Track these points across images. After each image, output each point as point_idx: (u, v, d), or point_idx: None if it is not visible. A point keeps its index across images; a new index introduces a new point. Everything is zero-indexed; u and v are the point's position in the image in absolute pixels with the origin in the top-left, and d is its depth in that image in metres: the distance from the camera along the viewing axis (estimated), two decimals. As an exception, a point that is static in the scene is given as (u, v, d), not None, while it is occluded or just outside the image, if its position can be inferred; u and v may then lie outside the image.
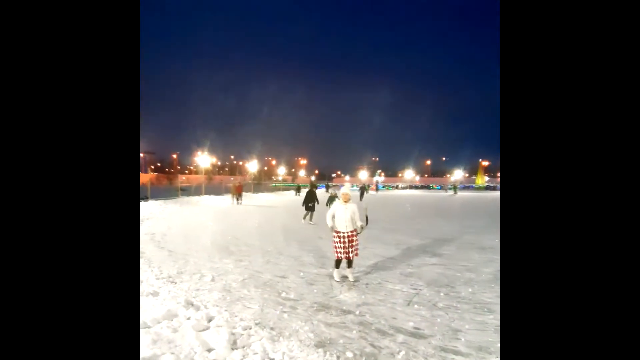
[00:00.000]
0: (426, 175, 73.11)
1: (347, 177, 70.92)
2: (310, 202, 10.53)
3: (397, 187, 56.02)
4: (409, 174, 68.87)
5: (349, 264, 4.34)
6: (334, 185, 24.86)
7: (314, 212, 10.51)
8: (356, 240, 4.31)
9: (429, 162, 78.97)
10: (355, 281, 4.25)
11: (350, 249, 4.23)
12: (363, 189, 25.21)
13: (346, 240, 4.22)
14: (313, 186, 11.60)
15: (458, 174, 61.87)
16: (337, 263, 4.32)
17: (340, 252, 4.22)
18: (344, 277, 4.36)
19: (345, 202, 4.30)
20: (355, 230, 4.29)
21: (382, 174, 72.51)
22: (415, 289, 3.97)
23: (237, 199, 18.58)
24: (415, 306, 3.43)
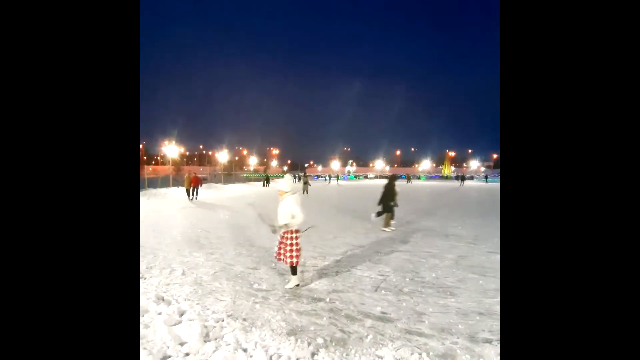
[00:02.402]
0: (396, 165, 74.99)
1: (307, 170, 71.09)
2: (390, 200, 7.55)
3: (366, 177, 57.33)
4: (380, 164, 70.44)
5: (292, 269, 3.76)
6: (305, 175, 23.44)
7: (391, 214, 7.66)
8: (293, 242, 3.64)
9: (398, 152, 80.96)
10: (292, 287, 3.70)
11: (284, 252, 3.66)
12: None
13: (282, 240, 3.70)
14: (393, 178, 8.02)
15: (426, 164, 64.14)
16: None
17: (275, 253, 3.80)
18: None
19: (281, 196, 3.69)
20: (293, 230, 3.64)
21: (354, 164, 73.60)
22: (383, 275, 4.17)
23: (193, 193, 16.23)
24: (383, 292, 3.61)
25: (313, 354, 2.38)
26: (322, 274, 4.24)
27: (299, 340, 2.55)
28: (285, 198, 3.64)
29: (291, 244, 3.64)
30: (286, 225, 3.60)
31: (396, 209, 7.77)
